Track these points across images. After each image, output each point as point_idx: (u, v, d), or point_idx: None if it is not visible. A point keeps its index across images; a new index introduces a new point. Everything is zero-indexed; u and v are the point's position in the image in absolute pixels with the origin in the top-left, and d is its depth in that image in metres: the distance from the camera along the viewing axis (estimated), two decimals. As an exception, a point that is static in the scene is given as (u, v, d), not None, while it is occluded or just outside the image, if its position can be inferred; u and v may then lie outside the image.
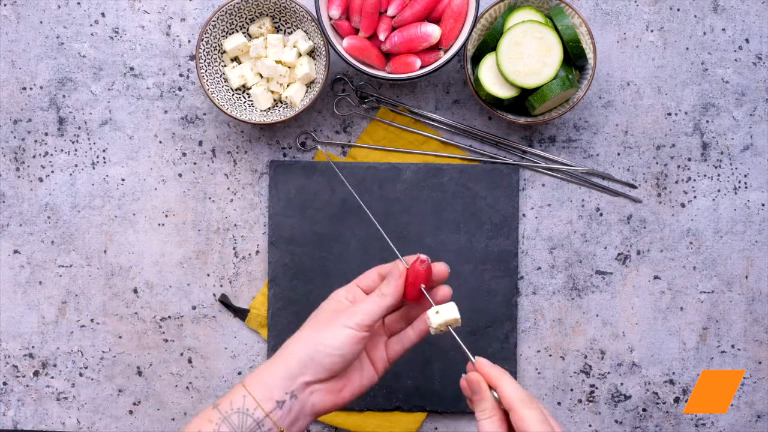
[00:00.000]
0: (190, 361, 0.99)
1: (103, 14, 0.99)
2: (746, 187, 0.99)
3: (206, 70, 0.93)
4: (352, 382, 0.76)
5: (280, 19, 0.96)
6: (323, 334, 0.73)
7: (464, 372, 0.74)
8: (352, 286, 0.78)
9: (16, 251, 0.99)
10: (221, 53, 0.95)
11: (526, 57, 0.90)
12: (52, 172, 0.99)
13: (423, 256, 0.76)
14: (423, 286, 0.76)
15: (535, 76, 0.90)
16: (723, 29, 0.99)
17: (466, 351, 0.74)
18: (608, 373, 0.99)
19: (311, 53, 0.96)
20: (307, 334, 0.74)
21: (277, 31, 0.97)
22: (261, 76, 0.96)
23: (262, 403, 0.71)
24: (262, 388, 0.72)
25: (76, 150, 0.99)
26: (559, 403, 0.99)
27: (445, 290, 0.79)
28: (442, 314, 0.75)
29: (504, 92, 0.91)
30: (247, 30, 0.96)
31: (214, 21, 0.92)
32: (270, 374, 0.72)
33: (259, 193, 0.99)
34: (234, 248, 0.99)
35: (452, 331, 0.75)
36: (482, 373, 0.72)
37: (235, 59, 0.97)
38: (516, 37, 0.90)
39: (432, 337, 0.96)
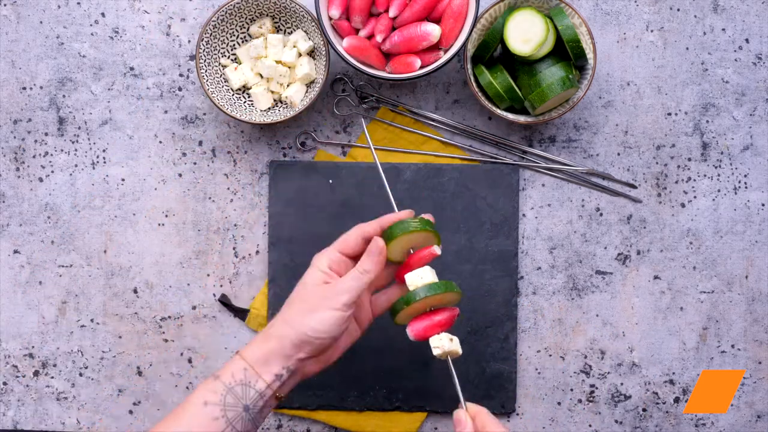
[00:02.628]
0: (190, 361, 0.99)
1: (103, 14, 0.99)
2: (746, 187, 0.99)
3: (206, 70, 0.93)
4: (340, 347, 0.80)
5: (280, 19, 0.96)
6: (311, 318, 0.75)
7: (458, 401, 0.79)
8: (333, 253, 0.79)
9: (16, 251, 0.99)
10: (221, 53, 0.95)
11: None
12: (52, 172, 0.99)
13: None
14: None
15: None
16: (723, 29, 0.99)
17: (459, 394, 0.79)
18: (608, 373, 0.99)
19: (311, 53, 0.96)
20: (296, 316, 0.76)
21: (277, 31, 0.97)
22: (261, 76, 0.96)
23: (263, 376, 0.74)
24: (261, 360, 0.75)
25: (76, 150, 0.99)
26: (559, 403, 0.99)
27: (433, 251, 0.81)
28: (454, 343, 0.78)
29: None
30: (247, 30, 0.96)
31: (214, 21, 0.92)
32: (266, 350, 0.75)
33: (259, 193, 0.99)
34: (234, 248, 0.99)
35: (450, 364, 0.79)
36: (469, 413, 0.78)
37: (235, 59, 0.97)
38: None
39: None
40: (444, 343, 0.77)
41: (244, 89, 0.97)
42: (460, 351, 0.79)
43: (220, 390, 0.73)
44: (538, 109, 0.92)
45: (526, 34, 0.90)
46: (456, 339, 0.79)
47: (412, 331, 0.79)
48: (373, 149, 0.83)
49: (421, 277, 0.79)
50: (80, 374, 0.99)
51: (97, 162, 0.99)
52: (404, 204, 0.97)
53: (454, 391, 0.98)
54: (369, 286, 0.79)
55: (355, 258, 0.80)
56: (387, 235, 0.79)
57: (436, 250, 0.80)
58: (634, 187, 0.99)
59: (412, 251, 0.81)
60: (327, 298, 0.76)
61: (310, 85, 0.96)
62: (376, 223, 0.80)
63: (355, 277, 0.77)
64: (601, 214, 0.99)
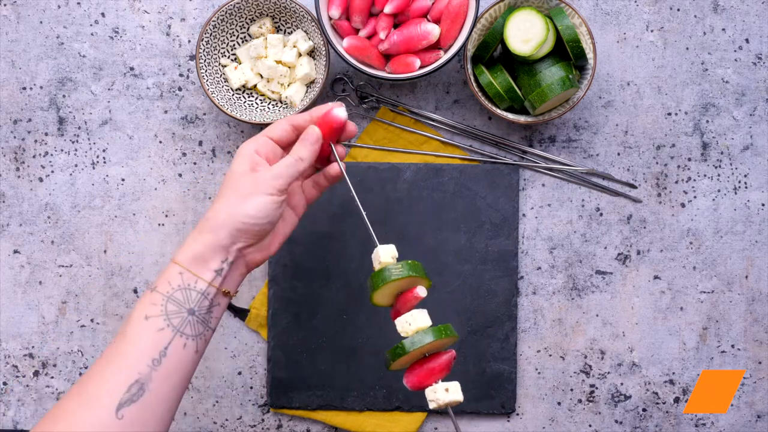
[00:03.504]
0: (190, 361, 0.99)
1: (103, 14, 0.99)
2: (746, 187, 0.99)
3: (206, 70, 0.93)
4: (278, 235, 0.79)
5: (280, 19, 0.96)
6: (245, 205, 0.73)
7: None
8: (262, 138, 0.78)
9: (16, 251, 0.99)
10: (221, 53, 0.95)
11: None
12: (52, 172, 0.99)
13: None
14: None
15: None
16: (723, 29, 0.99)
17: (453, 420, 0.75)
18: (608, 373, 0.99)
19: (311, 53, 0.96)
20: (229, 205, 0.74)
21: (277, 31, 0.97)
22: (261, 76, 0.96)
23: (202, 275, 0.72)
24: (196, 261, 0.73)
25: (76, 150, 0.99)
26: (559, 403, 0.99)
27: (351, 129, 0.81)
28: (450, 393, 0.74)
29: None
30: (247, 30, 0.96)
31: (214, 21, 0.92)
32: (201, 246, 0.73)
33: (259, 193, 0.99)
34: (234, 248, 0.99)
35: (451, 413, 0.75)
36: None
37: (235, 59, 0.97)
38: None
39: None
40: (439, 396, 0.73)
41: (244, 89, 0.97)
42: (460, 398, 0.74)
43: (159, 300, 0.71)
44: (538, 109, 0.92)
45: (526, 34, 0.90)
46: (454, 386, 0.74)
47: (408, 382, 0.76)
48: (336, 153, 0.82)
49: (409, 323, 0.74)
50: (80, 374, 0.99)
51: (97, 162, 0.99)
52: (404, 204, 0.97)
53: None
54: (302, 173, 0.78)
55: (283, 147, 0.80)
56: (370, 285, 0.75)
57: (421, 292, 0.75)
58: (634, 187, 0.99)
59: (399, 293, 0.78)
60: (260, 184, 0.74)
61: (310, 85, 0.96)
62: (307, 114, 0.80)
63: (289, 163, 0.75)
64: (601, 214, 0.99)
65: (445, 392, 0.74)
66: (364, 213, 0.79)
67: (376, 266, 0.77)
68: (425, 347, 0.74)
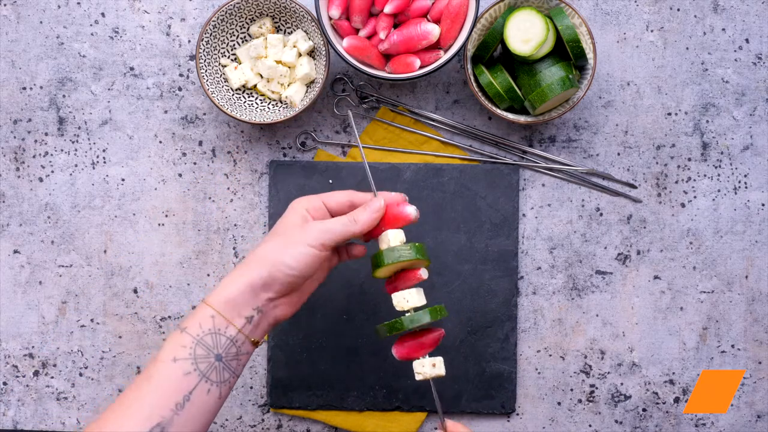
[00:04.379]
0: (190, 361, 0.99)
1: (103, 14, 0.99)
2: (746, 187, 0.99)
3: (206, 70, 0.93)
4: (306, 291, 0.79)
5: (280, 19, 0.96)
6: (287, 252, 0.73)
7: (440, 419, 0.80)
8: (316, 200, 0.78)
9: (16, 251, 0.99)
10: (221, 53, 0.95)
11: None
12: (52, 172, 0.99)
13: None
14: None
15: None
16: (723, 29, 0.99)
17: (440, 411, 0.81)
18: (608, 373, 0.99)
19: (311, 53, 0.96)
20: (271, 250, 0.74)
21: (277, 31, 0.97)
22: (261, 76, 0.96)
23: (233, 321, 0.72)
24: (229, 306, 0.72)
25: (76, 150, 0.99)
26: (559, 403, 0.99)
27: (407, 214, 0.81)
28: (436, 368, 0.79)
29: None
30: (247, 30, 0.96)
31: (214, 21, 0.92)
32: (236, 290, 0.73)
33: (259, 193, 0.99)
34: (234, 248, 0.99)
35: (433, 387, 0.81)
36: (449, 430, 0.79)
37: (235, 59, 0.97)
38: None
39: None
40: (426, 370, 0.79)
41: (244, 89, 0.97)
42: (443, 373, 0.80)
43: (189, 343, 0.71)
44: (538, 109, 0.92)
45: (526, 34, 0.90)
46: (439, 361, 0.79)
47: (397, 352, 0.80)
48: (361, 149, 0.83)
49: (406, 300, 0.79)
50: (80, 374, 0.99)
51: (97, 162, 0.99)
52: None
53: (451, 394, 0.98)
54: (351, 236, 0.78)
55: (334, 215, 0.80)
56: (376, 261, 0.79)
57: (424, 274, 0.80)
58: (634, 187, 0.99)
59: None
60: (306, 235, 0.74)
61: (310, 85, 0.96)
62: (369, 195, 0.80)
63: (343, 222, 0.76)
64: (601, 214, 0.99)
65: (432, 367, 0.79)
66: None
67: (384, 247, 0.79)
68: (415, 327, 0.79)
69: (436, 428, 0.79)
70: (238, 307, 0.72)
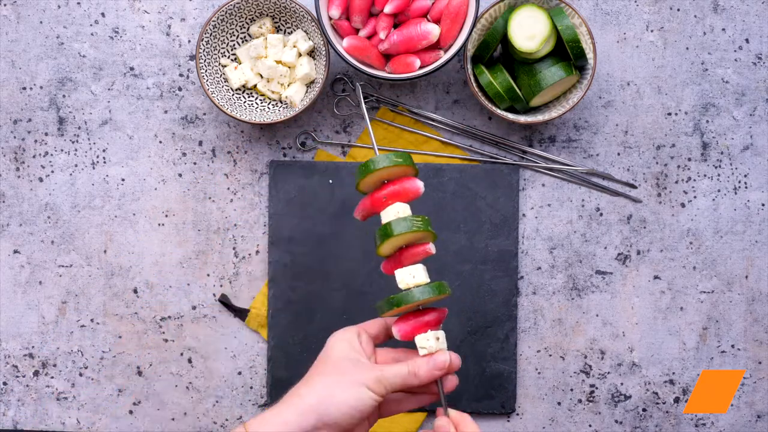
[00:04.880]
0: (190, 361, 0.99)
1: (103, 14, 0.99)
2: (746, 187, 0.99)
3: (206, 70, 0.93)
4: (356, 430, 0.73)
5: (280, 19, 0.96)
6: (345, 393, 0.69)
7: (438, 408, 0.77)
8: (359, 330, 0.75)
9: (16, 251, 0.99)
10: (221, 53, 0.95)
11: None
12: (52, 172, 0.99)
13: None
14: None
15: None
16: (723, 29, 0.99)
17: (443, 399, 0.77)
18: (608, 373, 0.99)
19: (311, 53, 0.96)
20: (327, 386, 0.69)
21: (277, 31, 0.97)
22: (261, 76, 0.96)
23: None
24: None
25: (76, 150, 0.99)
26: (559, 403, 0.99)
27: (452, 382, 0.77)
28: (440, 342, 0.76)
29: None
30: (247, 30, 0.96)
31: (214, 21, 0.92)
32: (281, 422, 0.68)
33: (259, 193, 0.99)
34: (234, 248, 0.99)
35: (440, 387, 0.77)
36: (452, 419, 0.74)
37: (235, 59, 0.97)
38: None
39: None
40: (431, 344, 0.75)
41: (244, 89, 0.97)
42: (446, 348, 0.76)
43: None
44: (534, 100, 0.92)
45: (530, 30, 0.90)
46: (442, 335, 0.76)
47: (399, 330, 0.77)
48: (376, 148, 0.81)
49: (413, 276, 0.76)
50: (80, 374, 0.99)
51: (97, 162, 0.99)
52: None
53: (451, 394, 0.98)
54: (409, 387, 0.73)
55: (376, 342, 0.77)
56: (384, 232, 0.76)
57: (432, 248, 0.77)
58: (634, 187, 0.99)
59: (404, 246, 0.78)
60: (365, 377, 0.69)
61: (310, 85, 0.96)
62: (443, 356, 0.75)
63: (404, 375, 0.71)
64: (601, 214, 0.99)
65: (436, 340, 0.75)
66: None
67: (391, 218, 0.76)
68: (422, 302, 0.75)
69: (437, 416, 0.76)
70: None
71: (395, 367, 0.72)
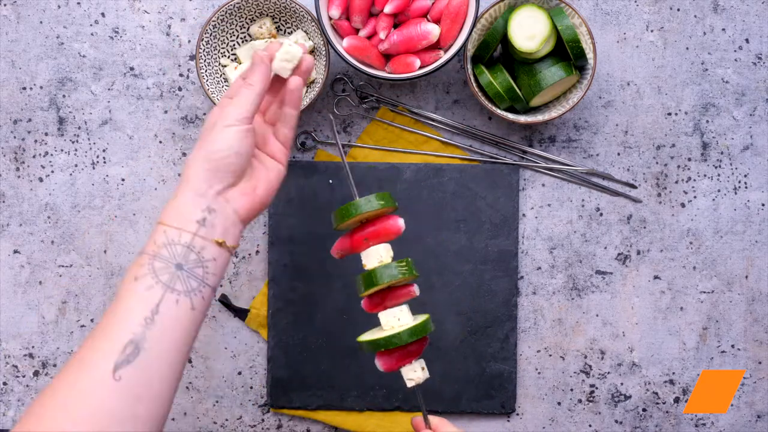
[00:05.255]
0: (190, 361, 0.99)
1: (103, 14, 0.99)
2: (746, 187, 0.99)
3: (206, 70, 0.93)
4: (261, 179, 0.78)
5: (280, 19, 0.96)
6: (211, 142, 0.73)
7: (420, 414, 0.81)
8: (222, 99, 0.78)
9: (16, 251, 0.99)
10: (221, 53, 0.95)
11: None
12: (52, 172, 0.99)
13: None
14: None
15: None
16: (723, 29, 0.99)
17: (423, 410, 0.80)
18: (608, 373, 0.99)
19: (311, 53, 0.96)
20: (198, 151, 0.74)
21: (278, 31, 0.97)
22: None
23: (185, 227, 0.71)
24: (177, 216, 0.71)
25: (76, 150, 0.99)
26: (559, 403, 0.99)
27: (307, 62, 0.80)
28: (425, 370, 0.78)
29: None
30: (247, 30, 0.96)
31: (214, 21, 0.92)
32: (181, 201, 0.72)
33: (259, 193, 0.99)
34: (234, 248, 0.99)
35: (418, 391, 0.79)
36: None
37: (235, 59, 0.97)
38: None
39: (432, 336, 0.96)
40: (418, 375, 0.77)
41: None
42: (428, 374, 0.79)
43: (146, 261, 0.70)
44: (534, 100, 0.92)
45: (530, 30, 0.90)
46: (423, 364, 0.78)
47: (383, 364, 0.78)
48: (347, 168, 0.82)
49: (398, 318, 0.76)
50: (80, 374, 0.99)
51: (97, 162, 0.99)
52: (404, 204, 0.97)
53: (451, 394, 0.99)
54: (261, 108, 0.78)
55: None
56: (368, 281, 0.76)
57: (416, 291, 0.78)
58: (634, 187, 0.99)
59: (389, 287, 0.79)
60: (223, 120, 0.74)
61: (310, 85, 0.96)
62: (254, 55, 0.78)
63: (242, 93, 0.75)
64: (601, 214, 0.99)
65: (422, 370, 0.78)
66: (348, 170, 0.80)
67: (374, 264, 0.78)
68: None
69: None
70: (186, 213, 0.71)
71: (233, 91, 0.76)
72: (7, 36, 0.99)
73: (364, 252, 0.78)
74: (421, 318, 0.78)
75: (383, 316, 0.77)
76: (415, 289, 0.79)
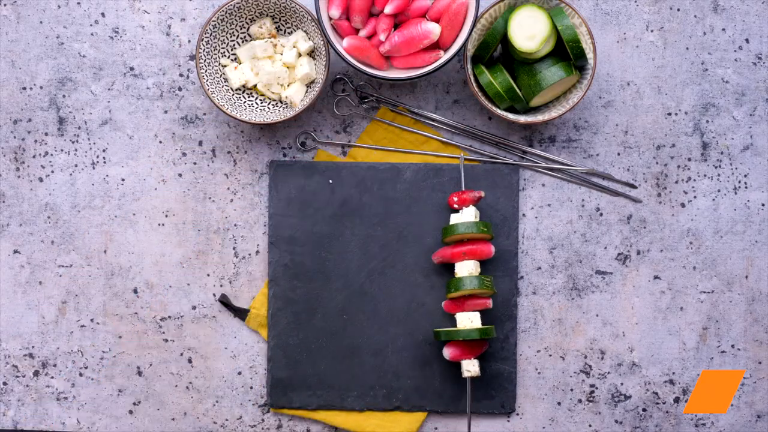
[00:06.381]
0: (190, 361, 0.99)
1: (103, 14, 0.99)
2: (746, 187, 0.99)
3: (206, 70, 0.93)
4: None
5: (280, 19, 0.96)
6: None
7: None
8: None
9: (16, 251, 0.99)
10: (221, 53, 0.95)
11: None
12: (52, 172, 0.99)
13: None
14: None
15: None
16: (723, 29, 0.99)
17: (468, 408, 0.94)
18: (608, 373, 0.99)
19: (311, 53, 0.96)
20: None
21: (278, 31, 0.97)
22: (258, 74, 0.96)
23: None
24: None
25: (76, 150, 0.99)
26: (559, 403, 0.99)
27: None
28: (477, 368, 0.94)
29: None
30: (247, 30, 0.96)
31: (214, 21, 0.92)
32: None
33: (259, 193, 0.99)
34: (234, 248, 0.99)
35: (469, 382, 0.94)
36: None
37: (235, 59, 0.97)
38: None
39: (432, 336, 0.96)
40: (475, 369, 0.93)
41: (244, 89, 0.97)
42: (479, 373, 0.94)
43: None
44: (534, 100, 0.92)
45: (530, 30, 0.90)
46: (477, 362, 0.93)
47: (451, 353, 0.93)
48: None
49: (471, 321, 0.92)
50: (80, 374, 0.99)
51: (97, 162, 0.99)
52: (404, 204, 0.97)
53: (454, 392, 0.99)
54: None
55: None
56: (458, 283, 0.92)
57: (489, 303, 0.94)
58: (634, 187, 0.99)
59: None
60: None
61: (310, 85, 0.96)
62: None
63: None
64: (601, 214, 0.99)
65: (475, 367, 0.93)
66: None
67: (463, 273, 0.93)
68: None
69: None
70: None
71: None
72: (7, 36, 0.99)
73: (460, 263, 0.93)
74: (488, 326, 0.92)
75: (460, 316, 0.93)
76: (490, 303, 0.94)
